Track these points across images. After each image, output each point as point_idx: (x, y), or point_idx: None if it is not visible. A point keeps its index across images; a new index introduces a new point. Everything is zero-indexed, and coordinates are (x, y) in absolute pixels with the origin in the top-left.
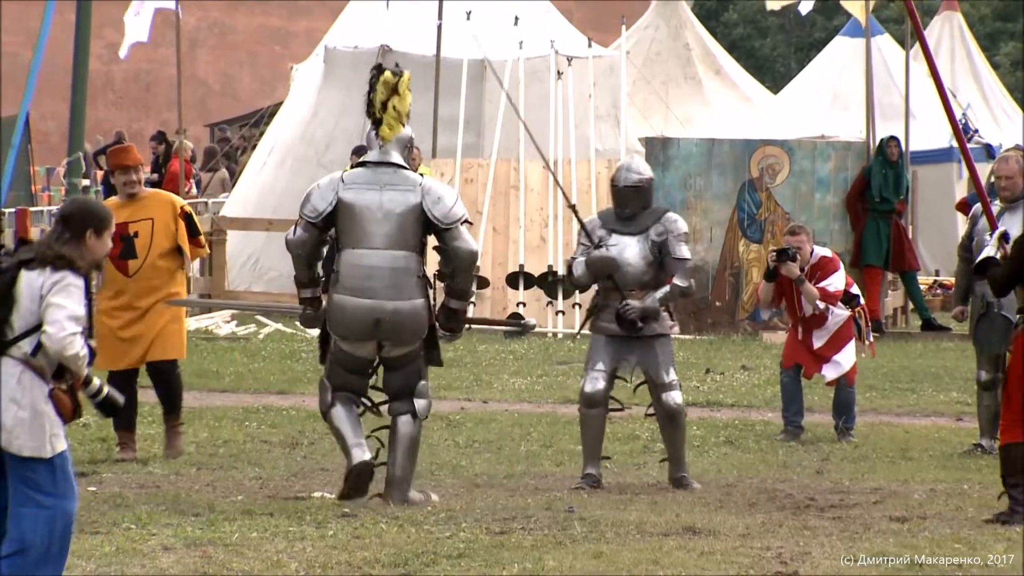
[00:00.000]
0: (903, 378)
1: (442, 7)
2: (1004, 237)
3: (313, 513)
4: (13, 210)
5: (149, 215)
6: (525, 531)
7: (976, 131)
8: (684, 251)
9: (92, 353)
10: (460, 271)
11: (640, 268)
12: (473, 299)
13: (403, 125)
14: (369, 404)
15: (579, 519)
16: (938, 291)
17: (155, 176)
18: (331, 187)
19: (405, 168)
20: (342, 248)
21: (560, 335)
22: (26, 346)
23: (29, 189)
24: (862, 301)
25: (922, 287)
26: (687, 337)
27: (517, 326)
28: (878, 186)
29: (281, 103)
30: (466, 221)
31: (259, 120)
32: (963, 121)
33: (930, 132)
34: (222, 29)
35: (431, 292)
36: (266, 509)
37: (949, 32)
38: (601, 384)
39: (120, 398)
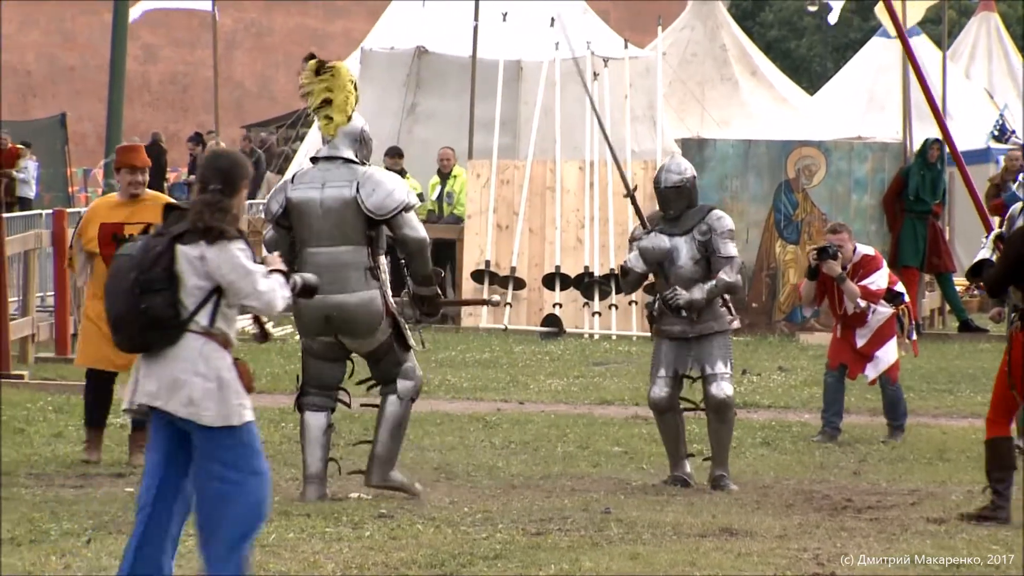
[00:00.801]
0: (940, 379)
1: (478, 8)
2: (1000, 238)
3: (350, 514)
4: (51, 211)
5: (145, 219)
6: (562, 532)
7: (1013, 132)
8: (730, 248)
9: (285, 275)
10: (413, 258)
11: (690, 268)
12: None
13: (347, 118)
14: (344, 401)
15: (615, 520)
16: (975, 292)
17: (192, 177)
18: (282, 188)
19: (353, 162)
20: (299, 247)
21: (596, 336)
22: (202, 319)
23: (66, 190)
24: (907, 299)
25: (959, 289)
26: None
27: (484, 303)
28: (915, 186)
29: None
30: (408, 207)
31: (296, 121)
32: (1000, 122)
33: (967, 133)
34: (259, 30)
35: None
36: (303, 510)
37: (986, 32)
38: (665, 390)
39: (314, 279)
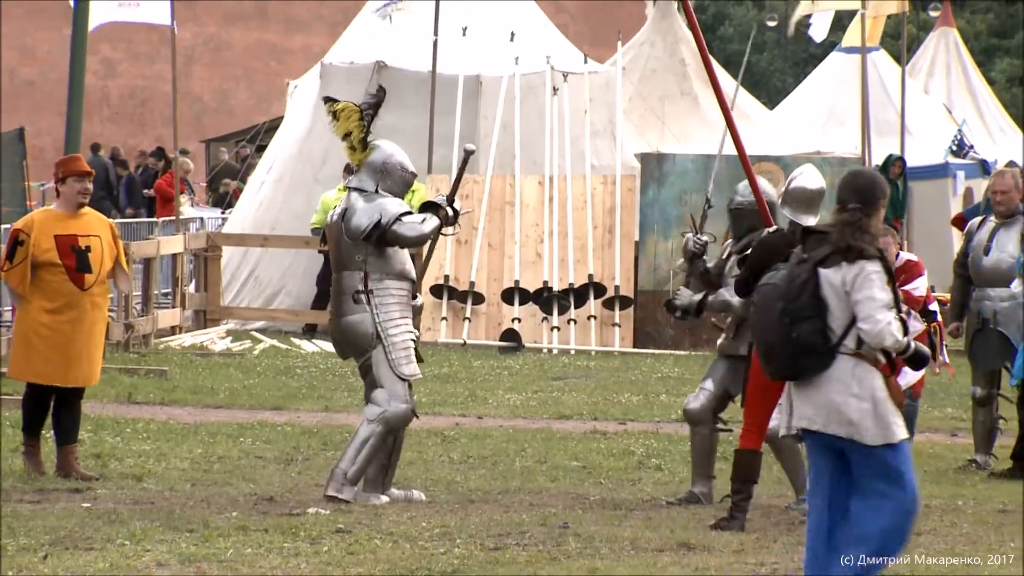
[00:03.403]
0: None
1: (438, 23)
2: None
3: (308, 529)
4: (8, 226)
5: (96, 232)
6: (520, 547)
7: (972, 147)
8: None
9: (904, 325)
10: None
11: None
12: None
13: (358, 150)
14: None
15: (574, 535)
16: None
17: (151, 192)
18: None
19: (364, 192)
20: None
21: (555, 351)
22: (850, 342)
23: (24, 205)
24: (939, 318)
25: None
26: (682, 353)
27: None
28: None
29: (277, 119)
30: (379, 225)
31: (255, 136)
32: (958, 137)
33: (926, 148)
34: (217, 45)
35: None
36: (261, 525)
37: (945, 48)
38: (701, 401)
39: (926, 350)
